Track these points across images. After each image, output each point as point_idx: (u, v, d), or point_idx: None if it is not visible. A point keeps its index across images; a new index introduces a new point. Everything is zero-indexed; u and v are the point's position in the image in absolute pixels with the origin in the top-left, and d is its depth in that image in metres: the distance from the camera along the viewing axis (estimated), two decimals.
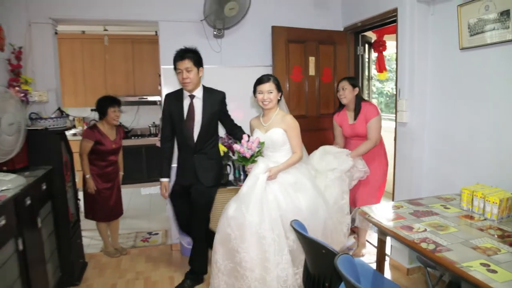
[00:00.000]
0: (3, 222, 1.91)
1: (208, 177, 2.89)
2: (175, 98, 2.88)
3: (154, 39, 5.41)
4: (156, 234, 4.24)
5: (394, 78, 3.42)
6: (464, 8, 2.57)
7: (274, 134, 2.69)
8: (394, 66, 3.56)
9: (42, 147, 2.84)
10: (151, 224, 4.58)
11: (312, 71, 3.85)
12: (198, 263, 3.03)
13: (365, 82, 4.23)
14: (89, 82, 5.93)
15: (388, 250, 3.43)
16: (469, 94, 2.65)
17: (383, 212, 2.30)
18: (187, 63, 2.69)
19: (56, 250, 2.87)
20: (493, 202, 2.05)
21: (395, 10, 3.14)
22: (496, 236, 1.84)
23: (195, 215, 2.93)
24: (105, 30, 5.87)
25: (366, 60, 4.28)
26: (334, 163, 3.05)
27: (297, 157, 2.71)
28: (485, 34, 2.45)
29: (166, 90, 3.41)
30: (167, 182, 2.99)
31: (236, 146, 2.64)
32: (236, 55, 3.76)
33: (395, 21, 3.19)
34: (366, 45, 4.23)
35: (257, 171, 2.57)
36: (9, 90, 2.59)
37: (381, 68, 4.48)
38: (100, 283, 3.17)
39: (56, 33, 3.48)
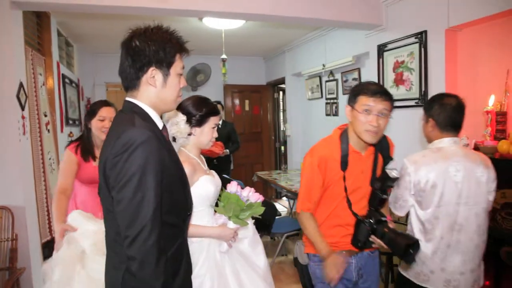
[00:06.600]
0: None
1: None
2: None
3: None
4: None
5: None
6: (307, 81, 5.64)
7: None
8: None
9: None
10: None
11: (247, 108, 6.85)
12: None
13: (281, 113, 7.28)
14: None
15: None
16: (311, 119, 5.70)
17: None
18: None
19: None
20: None
21: (284, 78, 6.22)
22: None
23: None
24: None
25: (281, 100, 7.36)
26: None
27: None
28: (314, 94, 5.51)
29: None
30: None
31: None
32: None
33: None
34: (281, 92, 7.31)
35: None
36: None
37: None
38: None
39: (107, 89, 6.40)
